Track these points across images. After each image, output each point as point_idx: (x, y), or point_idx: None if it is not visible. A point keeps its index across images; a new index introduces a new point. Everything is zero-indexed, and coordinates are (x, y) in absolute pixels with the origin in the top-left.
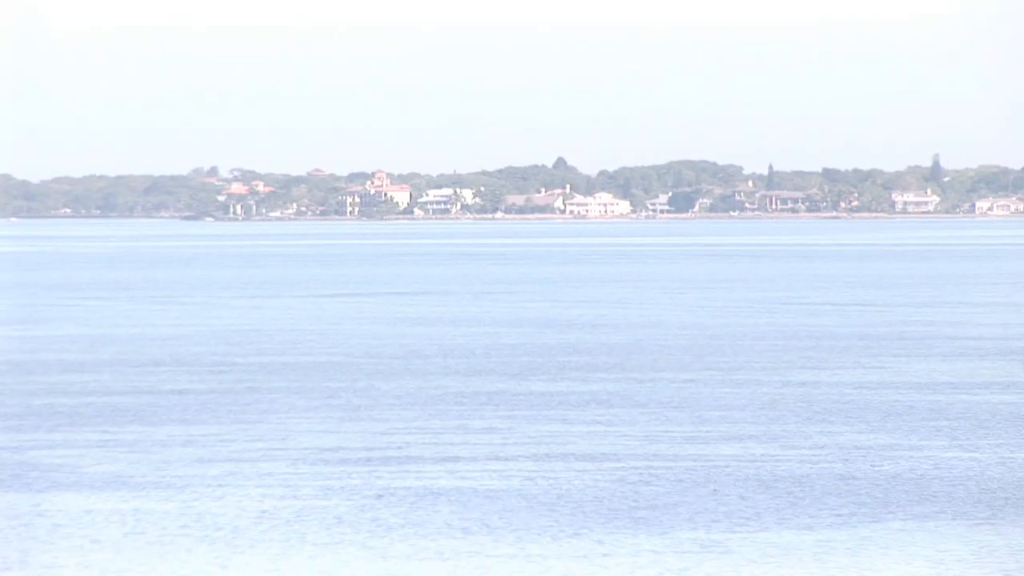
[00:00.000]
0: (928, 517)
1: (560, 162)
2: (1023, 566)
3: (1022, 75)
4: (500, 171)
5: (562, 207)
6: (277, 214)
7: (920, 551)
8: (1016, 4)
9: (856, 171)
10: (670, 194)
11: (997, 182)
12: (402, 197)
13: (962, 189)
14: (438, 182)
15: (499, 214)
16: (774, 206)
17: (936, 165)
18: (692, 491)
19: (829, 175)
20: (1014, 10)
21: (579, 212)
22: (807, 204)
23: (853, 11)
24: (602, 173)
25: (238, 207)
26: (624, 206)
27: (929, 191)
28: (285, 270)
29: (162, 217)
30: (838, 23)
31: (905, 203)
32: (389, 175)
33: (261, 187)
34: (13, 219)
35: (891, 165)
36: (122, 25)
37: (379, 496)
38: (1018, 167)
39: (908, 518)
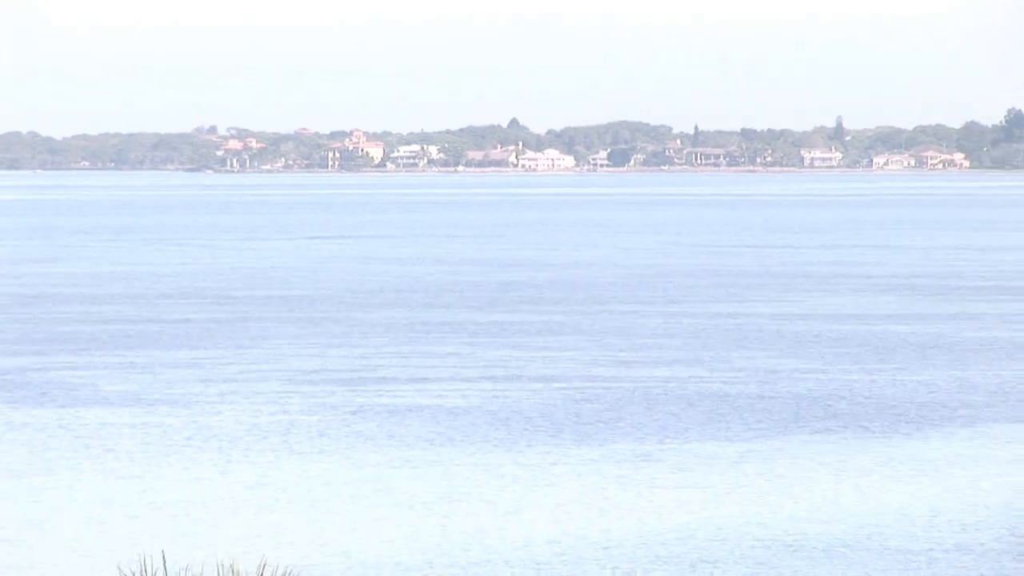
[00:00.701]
0: (833, 431)
1: (514, 122)
2: (913, 473)
3: (913, 46)
4: (462, 130)
5: (515, 162)
6: (268, 167)
7: (825, 460)
8: None
9: (770, 131)
10: (609, 150)
11: (892, 141)
12: (376, 152)
13: (861, 147)
14: (408, 140)
15: (460, 168)
16: (699, 161)
17: (839, 126)
18: (628, 408)
19: (746, 134)
20: None
21: (530, 166)
22: (727, 160)
23: None
24: (550, 132)
25: (234, 161)
26: (569, 161)
27: (833, 148)
28: (276, 216)
29: (168, 170)
30: (755, 13)
31: (812, 159)
32: (365, 133)
33: (254, 143)
34: (39, 171)
35: (800, 126)
36: (119, 24)
37: (357, 412)
38: (910, 127)
39: (815, 432)
